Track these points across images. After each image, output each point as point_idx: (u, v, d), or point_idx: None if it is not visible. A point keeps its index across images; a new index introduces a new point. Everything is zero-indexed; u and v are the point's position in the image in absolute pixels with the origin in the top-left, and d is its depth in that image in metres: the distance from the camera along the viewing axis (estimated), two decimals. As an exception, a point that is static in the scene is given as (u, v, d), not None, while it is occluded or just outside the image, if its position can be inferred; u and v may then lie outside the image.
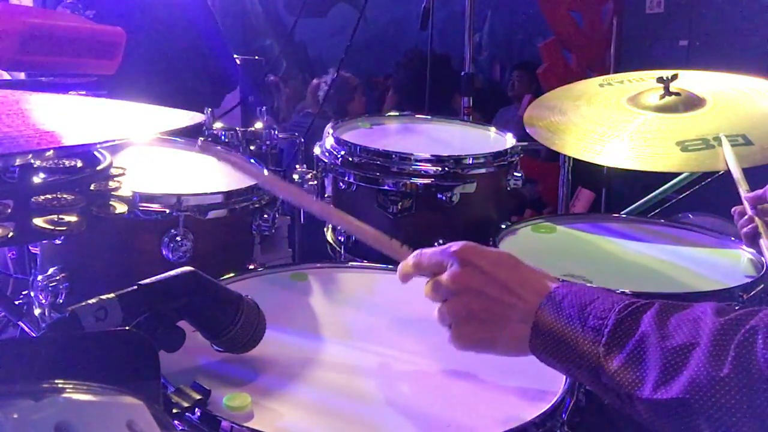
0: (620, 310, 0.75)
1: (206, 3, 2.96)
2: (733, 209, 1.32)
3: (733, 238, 1.38)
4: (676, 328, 0.71)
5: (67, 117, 0.80)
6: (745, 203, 1.25)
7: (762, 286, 1.18)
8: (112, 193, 0.78)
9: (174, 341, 0.77)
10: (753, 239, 1.27)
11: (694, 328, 0.70)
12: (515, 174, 1.49)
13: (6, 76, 1.93)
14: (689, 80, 1.57)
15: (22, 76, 1.84)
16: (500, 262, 0.84)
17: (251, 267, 1.22)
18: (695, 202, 2.31)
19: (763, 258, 1.23)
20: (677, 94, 1.51)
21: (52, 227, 0.69)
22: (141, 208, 1.15)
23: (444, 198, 1.35)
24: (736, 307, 1.11)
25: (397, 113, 1.87)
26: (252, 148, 1.60)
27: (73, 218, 0.72)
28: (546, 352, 0.78)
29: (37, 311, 1.22)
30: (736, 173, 1.29)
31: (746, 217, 1.28)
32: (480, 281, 0.82)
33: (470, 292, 0.82)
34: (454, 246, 0.85)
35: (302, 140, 1.78)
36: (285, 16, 7.83)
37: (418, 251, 0.88)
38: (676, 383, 0.68)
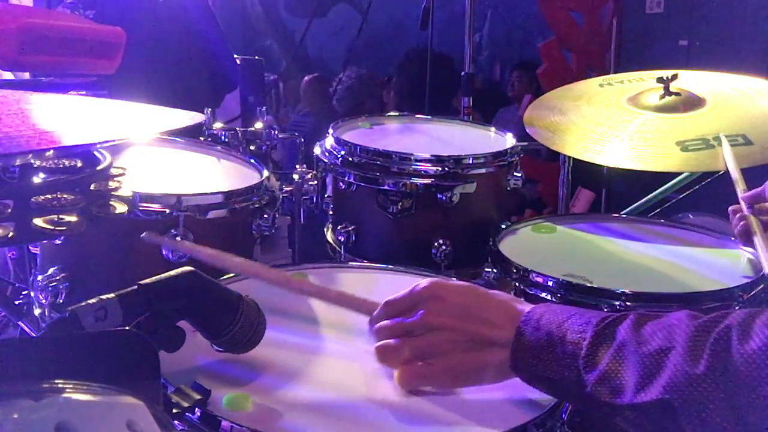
0: (597, 323, 0.77)
1: (207, 2, 2.96)
2: (729, 208, 1.33)
3: (733, 238, 1.38)
4: (651, 335, 0.73)
5: (67, 117, 0.80)
6: (742, 203, 1.26)
7: (762, 286, 1.18)
8: (112, 193, 0.78)
9: (174, 341, 0.76)
10: (746, 236, 1.27)
11: (669, 333, 0.72)
12: (515, 174, 1.49)
13: (6, 76, 1.93)
14: (689, 80, 1.57)
15: (26, 75, 1.84)
16: (470, 295, 0.87)
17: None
18: (695, 202, 2.31)
19: (754, 256, 1.23)
20: (677, 94, 1.51)
21: (52, 227, 0.69)
22: (141, 208, 1.15)
23: (444, 198, 1.35)
24: (736, 307, 1.12)
25: (397, 113, 1.87)
26: (252, 148, 1.60)
27: (73, 218, 0.71)
28: (528, 371, 0.80)
29: (37, 311, 1.22)
30: (734, 172, 1.29)
31: (738, 215, 1.28)
32: (455, 315, 0.84)
33: (446, 327, 0.84)
34: (422, 284, 0.87)
35: (302, 140, 1.78)
36: (285, 16, 7.84)
37: (386, 300, 0.90)
38: (655, 386, 0.70)
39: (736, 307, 1.13)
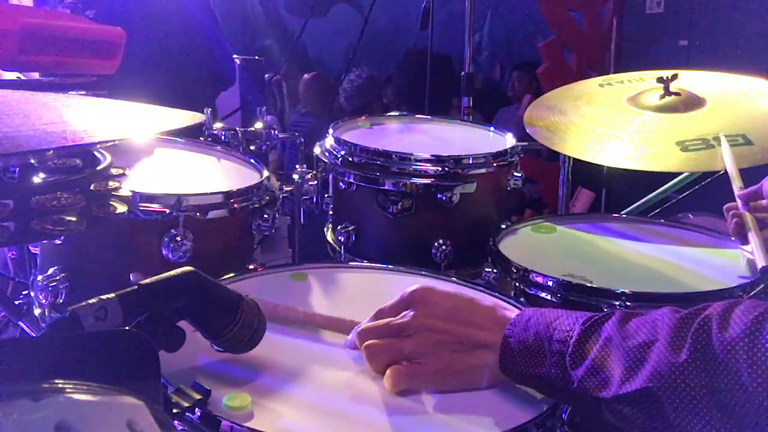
0: (584, 322, 0.79)
1: (207, 1, 2.96)
2: (724, 206, 1.33)
3: (733, 238, 1.38)
4: (636, 330, 0.75)
5: (67, 117, 0.80)
6: (738, 200, 1.27)
7: (762, 286, 1.18)
8: (112, 193, 0.78)
9: (174, 341, 0.76)
10: (740, 234, 1.29)
11: (653, 327, 0.74)
12: (515, 174, 1.49)
13: (6, 76, 1.93)
14: (689, 80, 1.57)
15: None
16: (457, 299, 0.89)
17: (251, 267, 1.22)
18: (695, 202, 2.31)
19: (752, 254, 1.23)
20: (677, 94, 1.51)
21: (52, 227, 0.69)
22: (141, 208, 1.15)
23: (444, 198, 1.35)
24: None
25: (397, 113, 1.87)
26: (252, 148, 1.60)
27: (73, 218, 0.72)
28: (516, 371, 0.82)
29: (37, 311, 1.22)
30: (732, 170, 1.29)
31: (732, 212, 1.30)
32: (442, 317, 0.86)
33: (434, 328, 0.85)
34: (410, 289, 0.90)
35: (302, 140, 1.78)
36: (285, 16, 7.84)
37: (378, 309, 0.92)
38: (639, 376, 0.71)
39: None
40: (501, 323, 0.84)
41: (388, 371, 0.84)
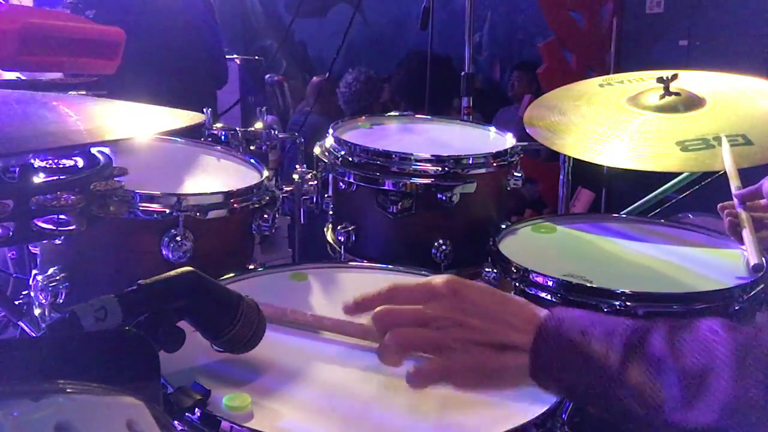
0: (625, 335, 0.74)
1: (208, 0, 2.97)
2: (719, 205, 1.33)
3: (733, 238, 1.38)
4: (689, 350, 0.71)
5: (67, 117, 0.80)
6: (735, 199, 1.28)
7: (762, 286, 1.18)
8: (112, 193, 0.78)
9: (174, 341, 0.76)
10: (734, 231, 1.29)
11: (706, 349, 0.70)
12: (515, 174, 1.49)
13: (6, 76, 1.93)
14: (689, 80, 1.57)
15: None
16: (490, 296, 0.83)
17: (251, 267, 1.22)
18: (695, 202, 2.31)
19: (744, 252, 1.24)
20: (677, 94, 1.51)
21: (52, 227, 0.69)
22: (141, 208, 1.15)
23: (444, 198, 1.35)
24: (736, 307, 1.12)
25: (397, 113, 1.87)
26: (252, 148, 1.60)
27: (73, 218, 0.72)
28: (548, 380, 0.77)
29: (37, 311, 1.22)
30: (730, 169, 1.29)
31: (726, 211, 1.30)
32: (476, 314, 0.80)
33: (467, 324, 0.80)
34: (439, 278, 0.82)
35: (302, 140, 1.78)
36: (285, 16, 7.84)
37: (393, 285, 0.83)
38: (702, 406, 0.67)
39: (736, 307, 1.13)
40: (533, 322, 0.79)
41: (412, 368, 0.78)
